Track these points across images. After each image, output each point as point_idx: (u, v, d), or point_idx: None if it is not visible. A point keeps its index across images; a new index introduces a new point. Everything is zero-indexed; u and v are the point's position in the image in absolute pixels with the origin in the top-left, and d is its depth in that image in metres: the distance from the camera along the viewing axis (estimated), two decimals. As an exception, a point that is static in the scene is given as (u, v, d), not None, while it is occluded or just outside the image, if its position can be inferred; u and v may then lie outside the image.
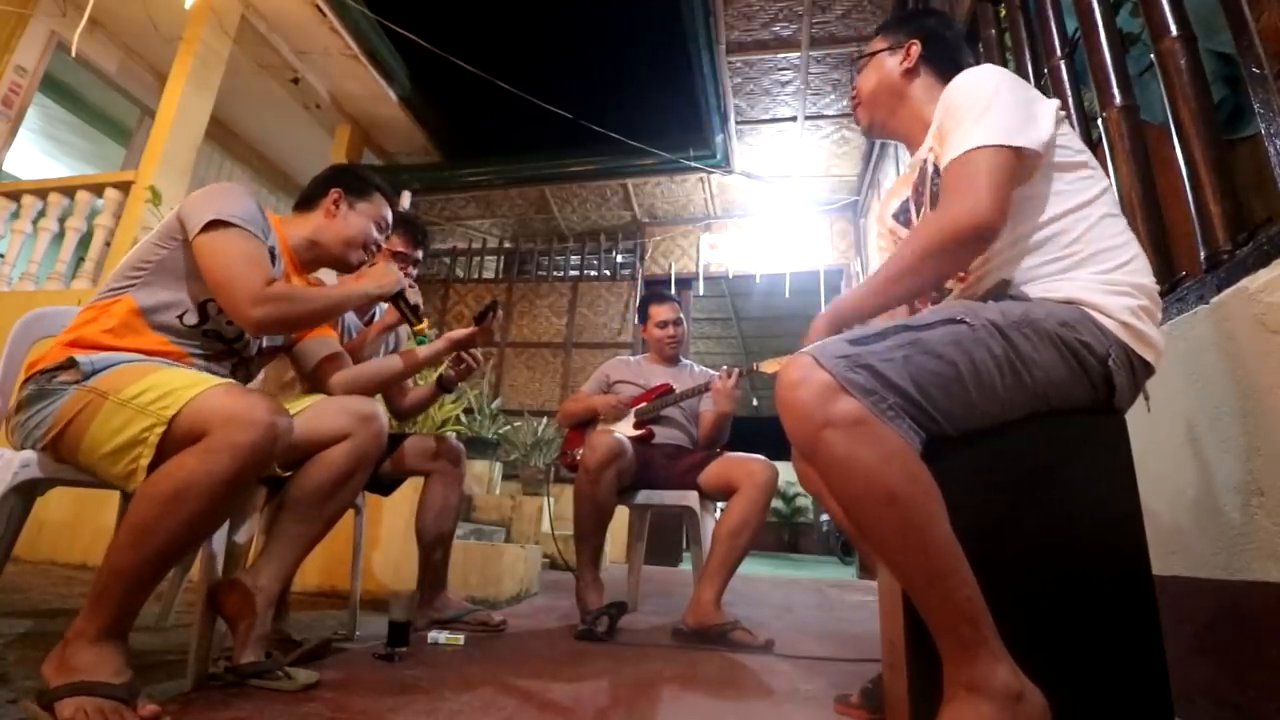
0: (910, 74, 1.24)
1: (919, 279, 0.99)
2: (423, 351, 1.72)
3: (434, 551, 1.89)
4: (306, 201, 1.49)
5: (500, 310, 1.83)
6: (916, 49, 1.24)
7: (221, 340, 1.28)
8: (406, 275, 1.84)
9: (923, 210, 1.18)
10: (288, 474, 1.30)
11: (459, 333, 1.77)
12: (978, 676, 0.78)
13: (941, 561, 0.79)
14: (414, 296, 1.61)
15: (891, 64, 1.26)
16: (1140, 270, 0.97)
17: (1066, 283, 0.96)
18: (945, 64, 1.22)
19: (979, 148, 0.96)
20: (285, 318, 1.21)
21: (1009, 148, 0.95)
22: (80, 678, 0.90)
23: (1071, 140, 1.03)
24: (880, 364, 0.84)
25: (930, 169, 1.14)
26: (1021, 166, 0.97)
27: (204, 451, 0.97)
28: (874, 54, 1.29)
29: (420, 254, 1.99)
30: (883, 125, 1.29)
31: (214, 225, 1.16)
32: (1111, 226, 0.99)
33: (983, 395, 0.88)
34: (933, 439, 0.86)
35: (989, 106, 0.99)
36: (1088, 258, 0.97)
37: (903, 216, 1.27)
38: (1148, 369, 0.96)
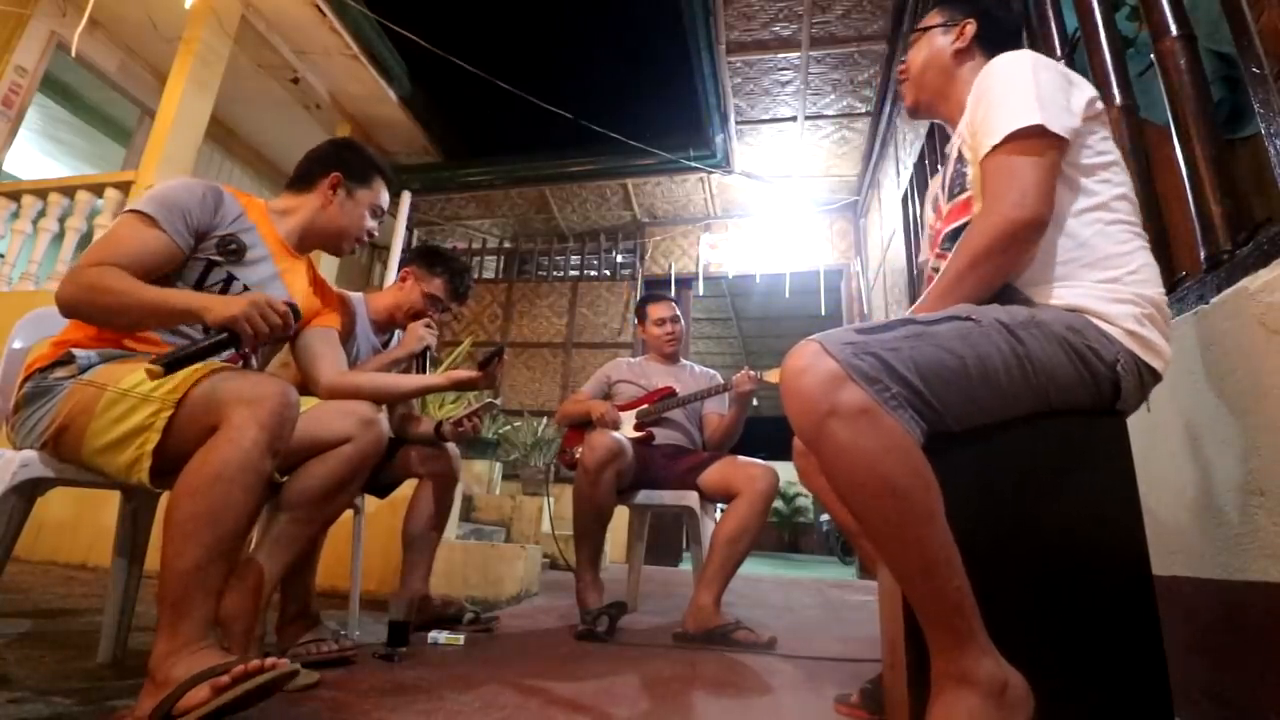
0: (962, 55, 1.19)
1: (974, 286, 0.96)
2: (422, 380, 1.72)
3: (418, 554, 1.89)
4: (302, 181, 1.44)
5: (505, 357, 1.88)
6: (971, 28, 1.19)
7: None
8: (432, 319, 1.91)
9: (944, 197, 1.18)
10: (284, 479, 1.29)
11: (461, 373, 1.78)
12: (965, 668, 0.78)
13: (937, 554, 0.79)
14: (430, 337, 1.80)
15: (944, 42, 1.21)
16: (1147, 281, 0.95)
17: (1068, 289, 0.95)
18: (999, 47, 1.13)
19: (1017, 138, 0.94)
20: (78, 302, 1.09)
21: (1048, 135, 0.94)
22: (190, 675, 0.86)
23: (1099, 140, 1.00)
24: (886, 352, 0.84)
25: (955, 154, 1.13)
26: (1061, 152, 0.95)
27: (227, 431, 0.97)
28: (927, 29, 1.24)
29: (455, 305, 2.01)
30: (929, 106, 1.25)
31: (125, 212, 1.17)
32: (1122, 233, 0.97)
33: (987, 390, 0.87)
34: (934, 435, 0.86)
35: (1025, 92, 0.96)
36: (1093, 263, 0.96)
37: (934, 206, 1.25)
38: (1155, 376, 0.95)
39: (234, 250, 1.26)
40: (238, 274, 1.27)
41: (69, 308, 1.11)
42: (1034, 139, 0.94)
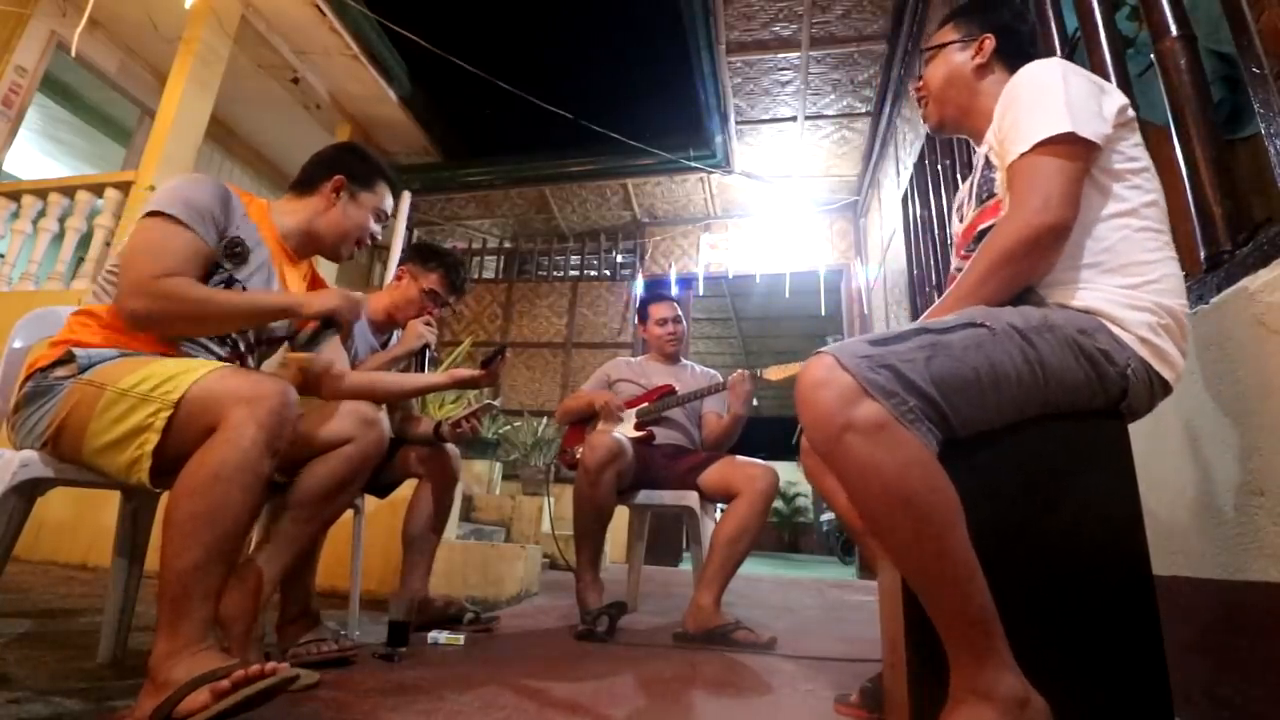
0: (983, 70, 1.19)
1: (996, 288, 0.95)
2: (425, 379, 1.74)
3: (418, 554, 1.90)
4: (305, 184, 1.43)
5: (508, 356, 1.90)
6: (991, 44, 1.18)
7: (211, 339, 1.27)
8: (431, 315, 1.90)
9: (971, 203, 1.17)
10: (284, 480, 1.29)
11: (464, 372, 1.79)
12: (984, 682, 0.78)
13: (957, 569, 0.79)
14: (429, 334, 1.79)
15: (962, 58, 1.20)
16: (1169, 291, 0.95)
17: (1087, 292, 0.95)
18: (1019, 59, 1.14)
19: (1046, 143, 0.94)
20: (161, 315, 1.12)
21: (1077, 141, 0.93)
22: (190, 677, 0.86)
23: (1130, 146, 1.00)
24: (901, 365, 0.84)
25: (983, 161, 1.13)
26: (1089, 159, 0.95)
27: (226, 432, 0.97)
28: (944, 45, 1.23)
29: (454, 299, 2.03)
30: (955, 123, 1.24)
31: (149, 215, 1.15)
32: (1149, 241, 0.97)
33: (998, 397, 0.87)
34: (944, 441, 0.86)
35: (1055, 98, 0.96)
36: (1115, 268, 0.95)
37: (961, 214, 1.24)
38: (1165, 388, 0.94)
39: (238, 253, 1.25)
40: (238, 276, 1.26)
41: (145, 321, 1.12)
42: (1063, 145, 0.94)
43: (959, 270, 1.15)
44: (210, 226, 1.19)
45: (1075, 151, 0.94)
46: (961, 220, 1.21)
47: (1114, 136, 0.98)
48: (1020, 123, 0.99)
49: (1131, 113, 1.02)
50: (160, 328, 1.17)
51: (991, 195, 1.09)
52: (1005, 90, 1.06)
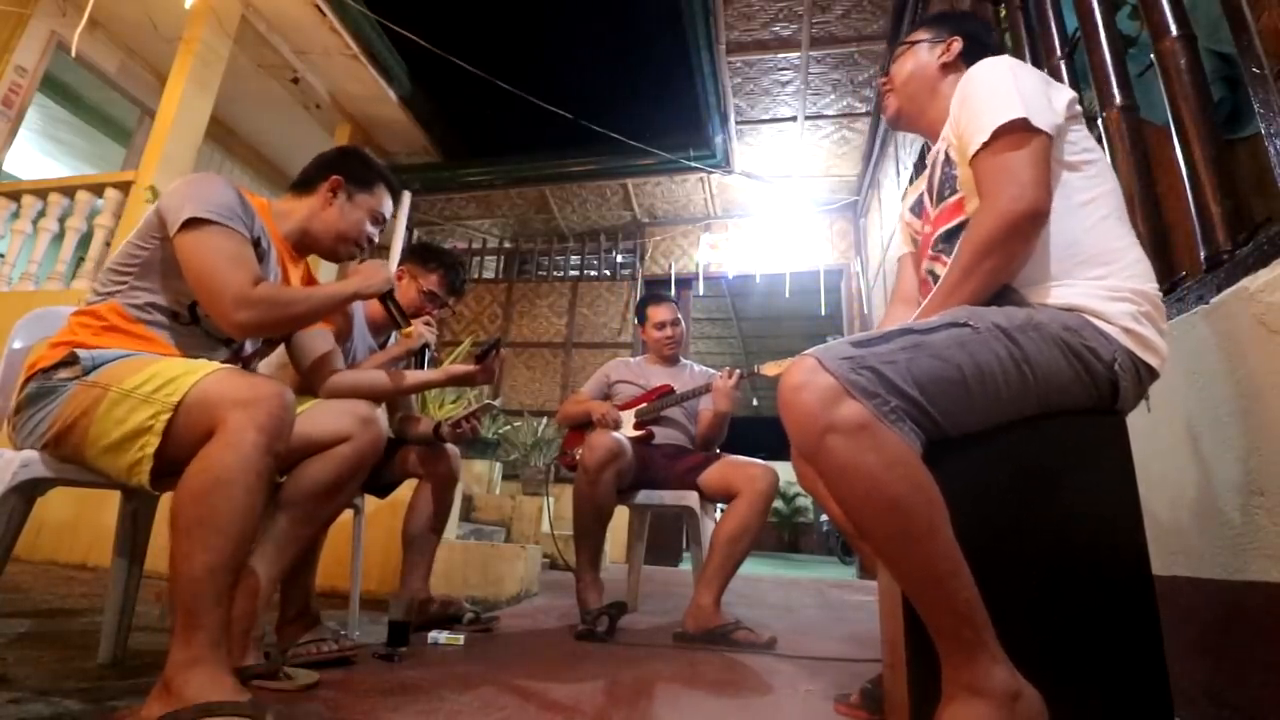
0: (947, 69, 1.24)
1: (980, 281, 0.96)
2: (420, 376, 1.74)
3: (418, 554, 1.89)
4: (304, 184, 1.44)
5: (502, 349, 1.89)
6: (958, 45, 1.23)
7: (215, 336, 1.27)
8: (431, 315, 1.91)
9: (932, 197, 1.18)
10: (282, 479, 1.29)
11: (459, 368, 1.79)
12: (976, 677, 0.78)
13: (943, 566, 0.79)
14: (429, 334, 1.80)
15: (929, 56, 1.26)
16: (1141, 275, 0.96)
17: (1065, 288, 0.95)
18: None
19: (1005, 131, 0.96)
20: (269, 321, 1.17)
21: (1033, 129, 0.95)
22: (202, 700, 0.85)
23: (1081, 139, 1.02)
24: (883, 365, 0.84)
25: (942, 158, 1.14)
26: (1047, 148, 0.97)
27: (225, 435, 0.96)
28: (914, 43, 1.29)
29: (453, 300, 2.04)
30: (910, 117, 1.29)
31: (193, 223, 1.13)
32: (1113, 229, 0.98)
33: (985, 396, 0.87)
34: (933, 441, 0.86)
35: (1007, 90, 0.99)
36: (1086, 261, 0.96)
37: (918, 209, 1.27)
38: (1152, 374, 0.95)
39: (261, 252, 1.25)
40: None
41: (257, 328, 1.19)
42: (1021, 133, 0.96)
43: (929, 272, 1.16)
44: (246, 228, 1.21)
45: (1034, 139, 0.96)
46: (925, 219, 1.22)
47: (1065, 128, 1.01)
48: (977, 116, 1.01)
49: (1079, 107, 1.04)
50: (270, 329, 1.27)
51: (954, 192, 1.10)
52: (959, 87, 1.09)
